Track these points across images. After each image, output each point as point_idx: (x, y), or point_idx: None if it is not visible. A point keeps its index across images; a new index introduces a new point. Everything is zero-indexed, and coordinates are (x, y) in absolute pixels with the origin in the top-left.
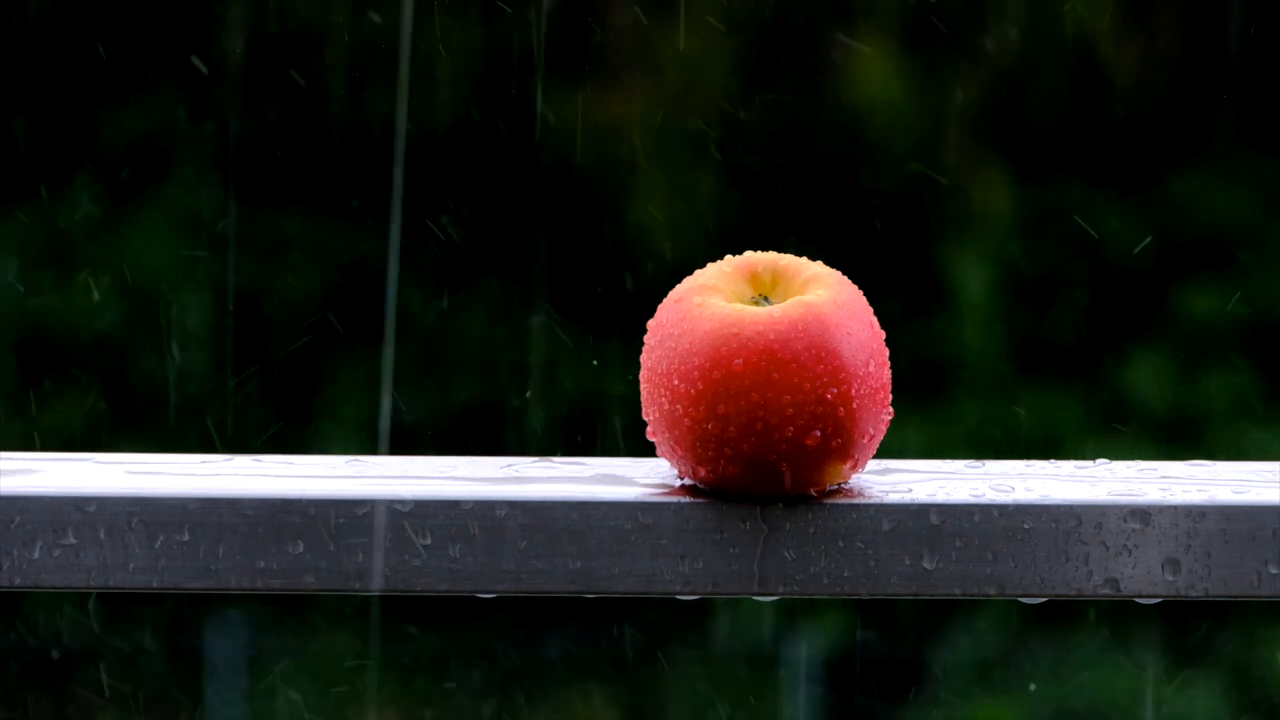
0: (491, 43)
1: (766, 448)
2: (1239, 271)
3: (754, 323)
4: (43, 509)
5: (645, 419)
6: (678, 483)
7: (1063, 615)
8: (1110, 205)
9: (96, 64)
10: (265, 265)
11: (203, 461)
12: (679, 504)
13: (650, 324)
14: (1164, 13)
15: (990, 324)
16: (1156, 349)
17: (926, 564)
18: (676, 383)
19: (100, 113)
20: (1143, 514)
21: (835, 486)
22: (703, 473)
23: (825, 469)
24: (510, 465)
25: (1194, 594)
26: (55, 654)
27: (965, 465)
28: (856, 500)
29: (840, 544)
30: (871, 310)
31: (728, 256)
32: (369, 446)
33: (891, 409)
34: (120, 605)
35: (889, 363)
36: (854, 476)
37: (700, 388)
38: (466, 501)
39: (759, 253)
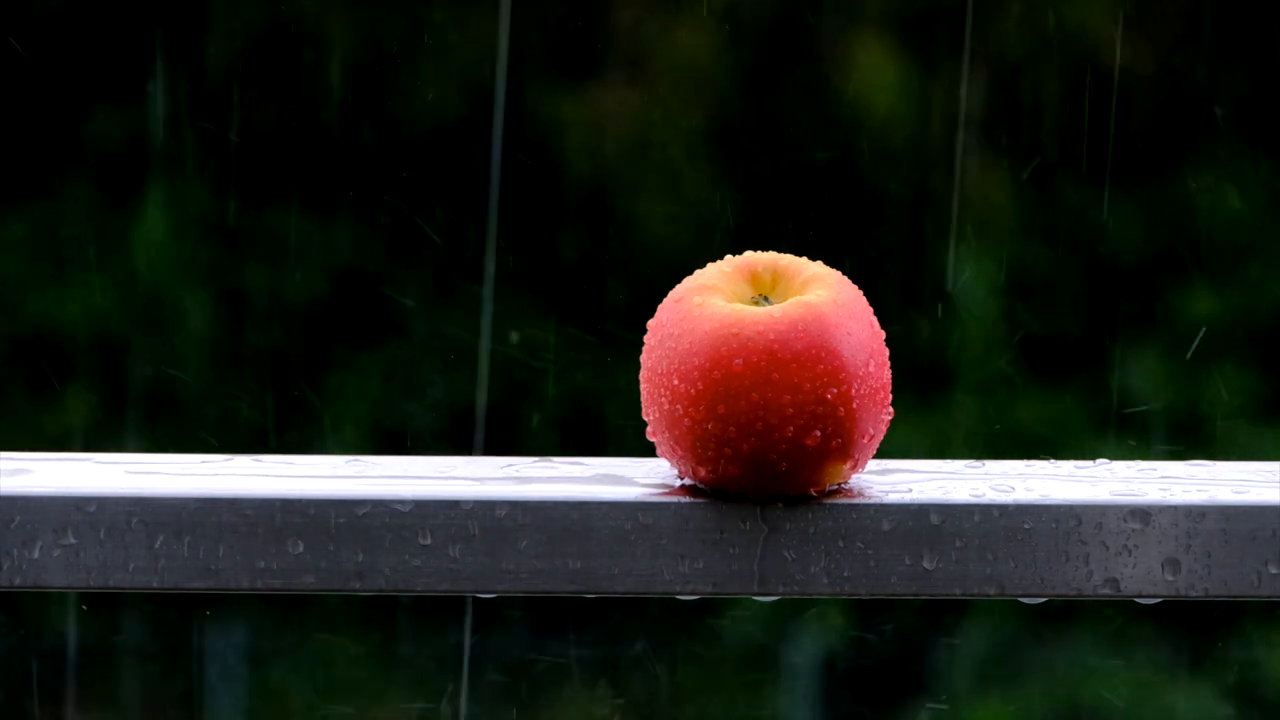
0: (491, 42)
1: (766, 448)
2: (1239, 271)
3: (754, 323)
4: (43, 509)
5: (645, 419)
6: (678, 483)
7: (1063, 615)
8: (1111, 205)
9: (96, 62)
10: (265, 265)
11: (203, 461)
12: (679, 504)
13: (650, 324)
14: (1165, 12)
15: (990, 324)
16: (1156, 349)
17: (926, 564)
18: (676, 383)
19: (100, 111)
20: (1143, 514)
21: (835, 486)
22: (703, 473)
23: (825, 469)
24: (510, 465)
25: (1194, 594)
26: (55, 654)
27: (965, 465)
28: (856, 500)
29: (840, 544)
30: (871, 310)
31: (728, 256)
32: (369, 447)
33: (891, 409)
34: (120, 605)
35: (889, 363)
36: (854, 476)
37: (700, 388)
38: (466, 501)
39: (759, 253)
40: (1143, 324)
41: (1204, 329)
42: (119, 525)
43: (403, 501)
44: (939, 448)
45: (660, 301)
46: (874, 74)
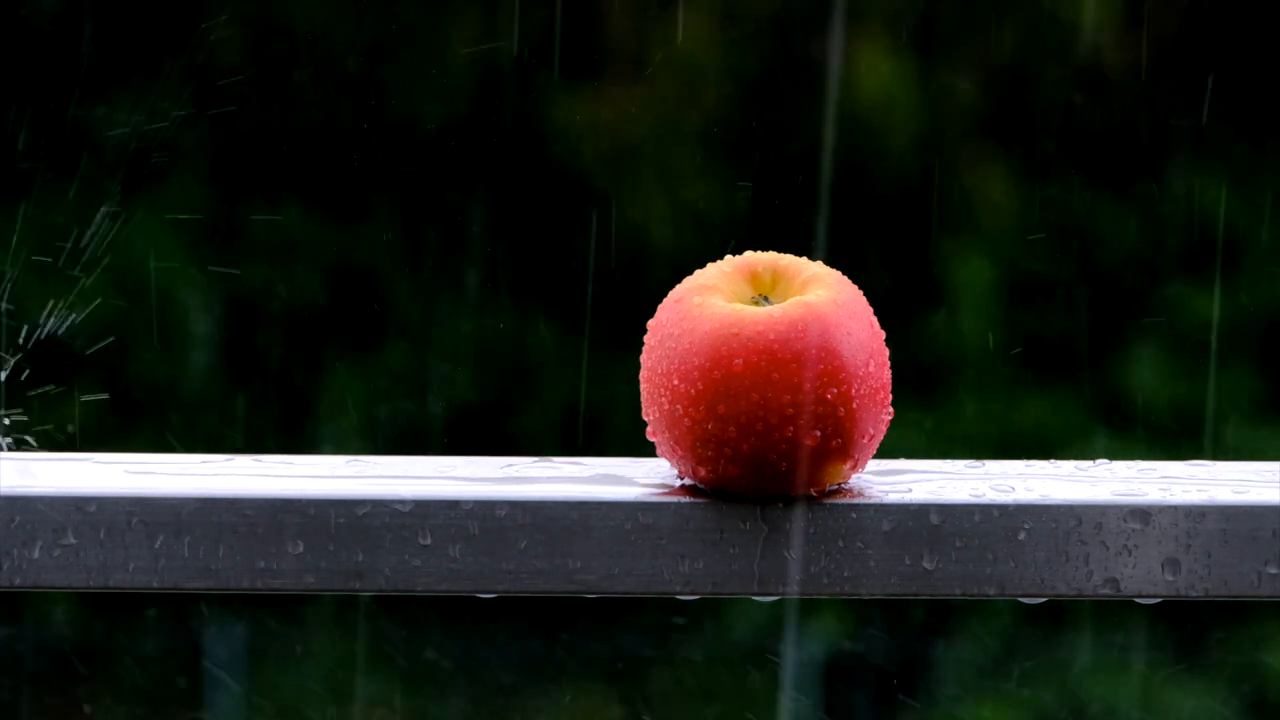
0: (491, 42)
1: (766, 448)
2: (1239, 271)
3: (754, 323)
4: (43, 509)
5: (645, 419)
6: (678, 483)
7: (1063, 615)
8: (1111, 204)
9: (96, 61)
10: (265, 265)
11: (203, 461)
12: (679, 504)
13: (650, 324)
14: (1165, 11)
15: (990, 323)
16: (1156, 349)
17: (926, 564)
18: (676, 383)
19: (100, 111)
20: (1143, 514)
21: (835, 486)
22: (703, 473)
23: (825, 469)
24: (510, 465)
25: (1194, 594)
26: (55, 654)
27: (965, 465)
28: (856, 500)
29: (840, 544)
30: (871, 310)
31: (728, 256)
32: (369, 446)
33: (891, 409)
34: (120, 605)
35: (889, 363)
36: (854, 476)
37: (700, 388)
38: (466, 501)
39: (759, 253)
40: (1142, 324)
41: (1204, 329)
42: (119, 525)
43: (403, 501)
44: (939, 448)
45: (660, 301)
46: (874, 74)
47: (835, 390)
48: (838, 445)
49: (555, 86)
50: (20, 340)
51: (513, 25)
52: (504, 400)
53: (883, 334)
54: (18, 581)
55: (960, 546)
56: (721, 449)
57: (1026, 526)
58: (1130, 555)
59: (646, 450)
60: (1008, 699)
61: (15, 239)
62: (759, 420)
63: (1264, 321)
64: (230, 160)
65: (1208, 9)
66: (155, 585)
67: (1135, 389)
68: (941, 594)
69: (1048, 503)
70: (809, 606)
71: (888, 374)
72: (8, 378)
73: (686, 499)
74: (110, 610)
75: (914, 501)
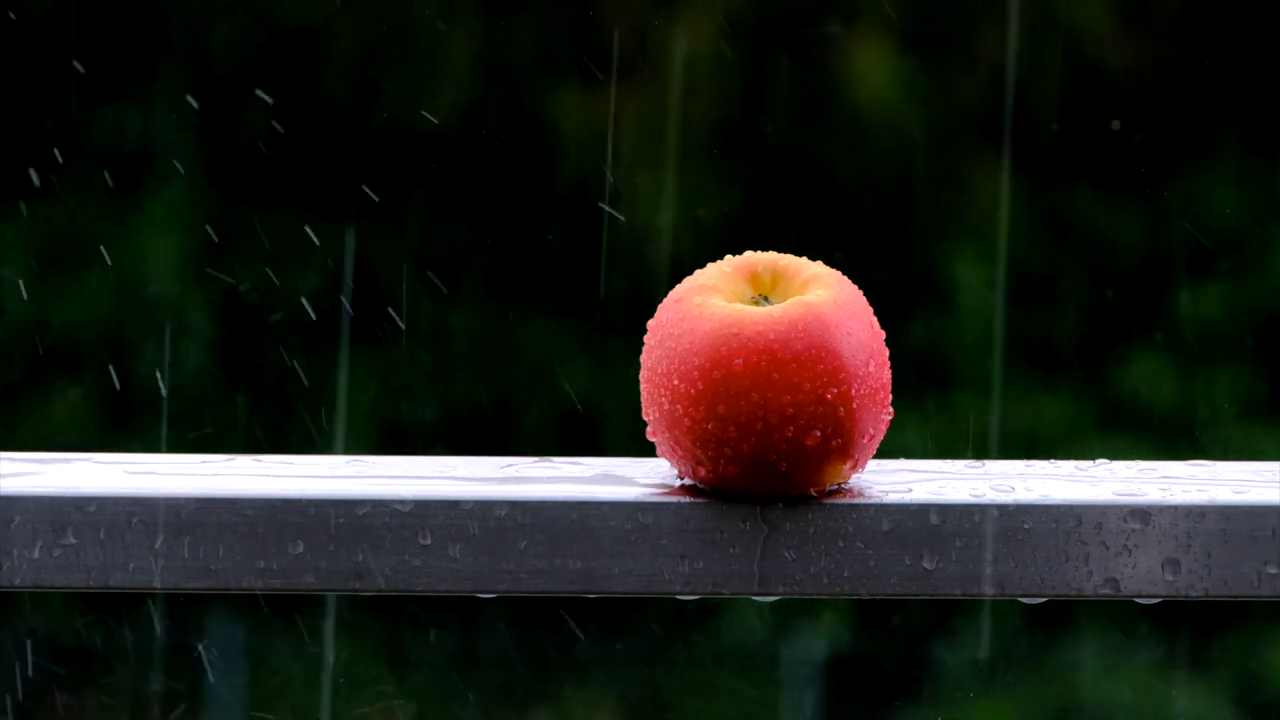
0: (491, 42)
1: (766, 448)
2: (1239, 272)
3: (754, 323)
4: (43, 509)
5: (645, 419)
6: (678, 483)
7: (1063, 615)
8: (1111, 205)
9: (96, 61)
10: (265, 265)
11: (203, 461)
12: (679, 504)
13: (650, 324)
14: (1165, 12)
15: (990, 324)
16: (1156, 349)
17: (926, 564)
18: (676, 383)
19: (100, 110)
20: (1143, 514)
21: (835, 486)
22: (703, 473)
23: (825, 469)
24: (510, 465)
25: (1194, 594)
26: (55, 654)
27: (965, 465)
28: (856, 500)
29: (840, 544)
30: (871, 310)
31: (728, 256)
32: (369, 446)
33: (891, 409)
34: (120, 605)
35: (889, 363)
36: (854, 476)
37: (700, 388)
38: (466, 501)
39: (759, 253)
40: (1143, 324)
41: (1204, 329)
42: (119, 525)
43: (403, 501)
44: (939, 448)
45: (660, 301)
46: (874, 74)
47: (835, 390)
48: (838, 445)
49: (556, 86)
50: (20, 340)
51: (513, 25)
52: (504, 400)
53: (883, 334)
54: (18, 581)
55: (960, 546)
56: (721, 449)
57: (1026, 526)
58: (1130, 555)
59: (646, 450)
60: (1008, 699)
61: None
62: (759, 420)
63: (1264, 321)
64: (230, 160)
65: (1209, 8)
66: (155, 585)
67: (1135, 389)
68: (941, 594)
69: (1048, 503)
70: (809, 606)
71: (888, 374)
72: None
73: (686, 499)
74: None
75: (914, 501)
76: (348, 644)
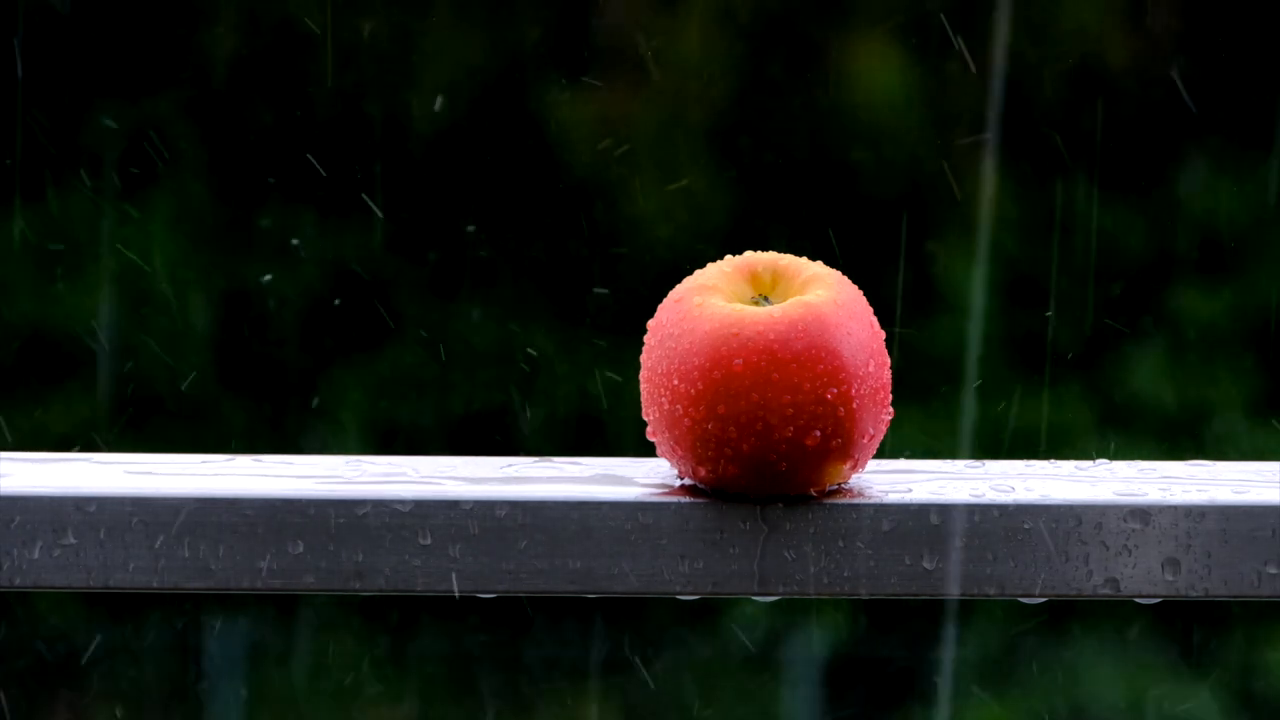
0: (491, 42)
1: (766, 448)
2: (1239, 271)
3: (754, 323)
4: (43, 509)
5: (645, 419)
6: (678, 483)
7: (1062, 615)
8: (1111, 204)
9: (96, 61)
10: (265, 265)
11: (203, 461)
12: (679, 504)
13: (650, 324)
14: (1165, 12)
15: (990, 324)
16: (1156, 349)
17: (926, 564)
18: (676, 383)
19: (100, 110)
20: (1143, 514)
21: (835, 486)
22: (703, 473)
23: (825, 469)
24: (510, 465)
25: (1194, 594)
26: (55, 654)
27: (965, 465)
28: (856, 500)
29: (840, 544)
30: (871, 310)
31: (728, 256)
32: (369, 447)
33: (891, 409)
34: (120, 605)
35: (889, 363)
36: (854, 476)
37: (700, 388)
38: (466, 501)
39: (759, 253)
40: (1143, 324)
41: (1204, 329)
42: (119, 525)
43: (403, 501)
44: (939, 448)
45: (660, 301)
46: (873, 74)
47: (835, 390)
48: (838, 445)
49: (556, 85)
50: (20, 340)
51: (513, 24)
52: (504, 400)
53: (883, 334)
54: (18, 581)
55: (960, 546)
56: (721, 449)
57: (1026, 526)
58: (1130, 555)
59: (647, 450)
60: (1008, 699)
61: (15, 238)
62: (759, 420)
63: (1264, 322)
64: (231, 160)
65: (1207, 7)
66: (155, 585)
67: (1135, 389)
68: (941, 594)
69: (1048, 503)
70: (809, 606)
71: (888, 374)
72: (7, 377)
73: (686, 499)
74: (110, 610)
75: (914, 501)
76: (348, 644)
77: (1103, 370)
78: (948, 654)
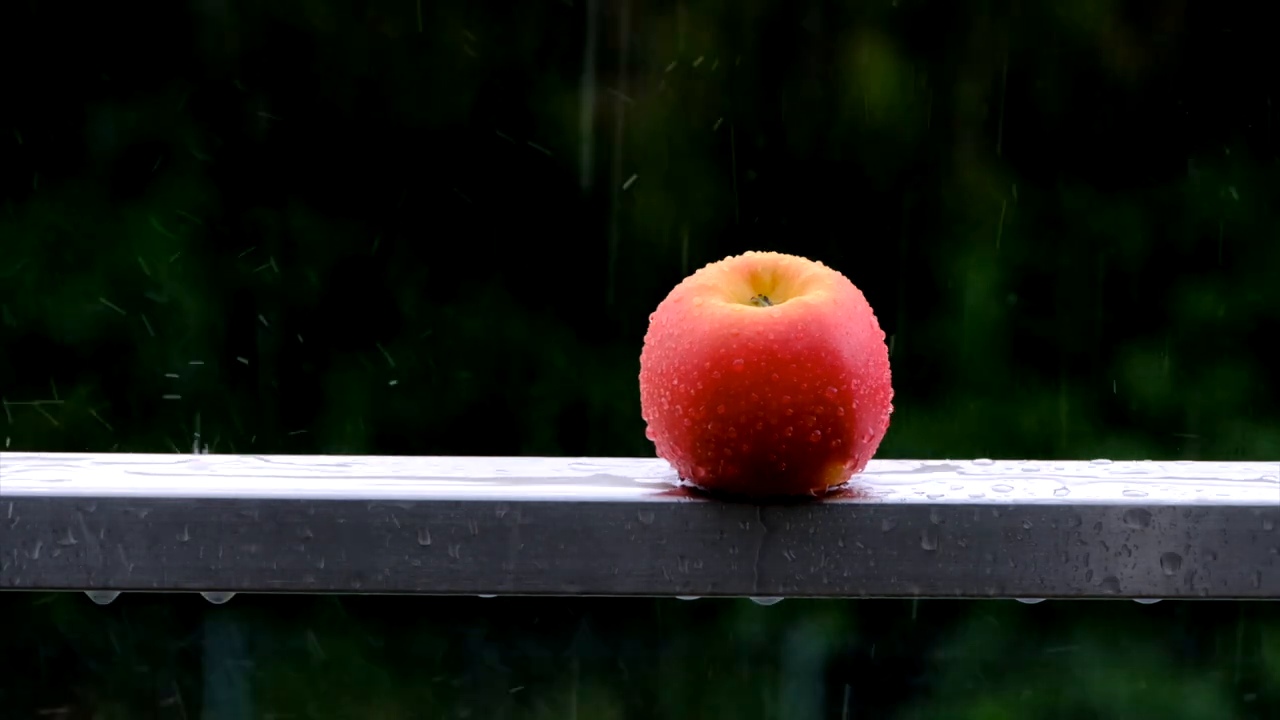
0: (492, 42)
1: (766, 448)
2: (1239, 271)
3: (754, 323)
4: (43, 509)
5: (645, 419)
6: (678, 483)
7: (1062, 615)
8: (1111, 205)
9: (96, 61)
10: (265, 265)
11: (203, 461)
12: (679, 504)
13: (650, 324)
14: (1165, 13)
15: (990, 324)
16: (1156, 349)
17: (926, 565)
18: (676, 383)
19: (100, 110)
20: (1143, 514)
21: (835, 486)
22: (703, 473)
23: (825, 469)
24: (510, 465)
25: (1194, 594)
26: (55, 654)
27: (965, 465)
28: (856, 500)
29: (840, 544)
30: (871, 310)
31: (728, 256)
32: (369, 447)
33: (891, 409)
34: (120, 605)
35: (888, 363)
36: (854, 476)
37: (700, 388)
38: (466, 501)
39: (759, 253)
40: (1143, 324)
41: (1204, 329)
42: (119, 525)
43: (403, 501)
44: (939, 448)
45: (660, 301)
46: (873, 74)
47: (835, 390)
48: (838, 445)
49: (557, 86)
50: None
51: (514, 26)
52: (504, 400)
53: (882, 334)
54: (18, 581)
55: (960, 546)
56: (721, 449)
57: (1026, 526)
58: (1130, 555)
59: (646, 450)
60: (1008, 699)
61: (16, 238)
62: (759, 420)
63: (1264, 322)
64: (232, 160)
65: (1210, 9)
66: (155, 585)
67: (1135, 389)
68: (941, 594)
69: (1048, 503)
70: (809, 606)
71: (888, 374)
72: (8, 377)
73: (686, 499)
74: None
75: (914, 501)
76: (348, 644)
77: (1103, 370)
78: (947, 654)
